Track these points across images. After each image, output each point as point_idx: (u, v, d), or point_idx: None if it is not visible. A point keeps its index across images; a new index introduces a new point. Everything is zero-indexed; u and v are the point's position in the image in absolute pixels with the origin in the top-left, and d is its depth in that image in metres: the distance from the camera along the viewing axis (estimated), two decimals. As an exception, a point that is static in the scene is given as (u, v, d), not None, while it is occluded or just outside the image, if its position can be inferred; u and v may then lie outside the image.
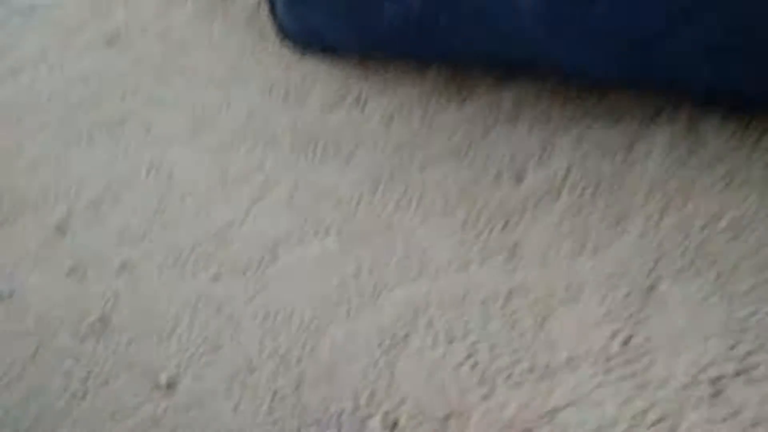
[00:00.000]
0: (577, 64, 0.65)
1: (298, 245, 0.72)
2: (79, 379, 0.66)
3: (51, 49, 1.16)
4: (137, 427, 0.61)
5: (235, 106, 0.93)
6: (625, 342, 0.54)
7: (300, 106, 0.89)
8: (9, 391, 0.67)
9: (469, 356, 0.58)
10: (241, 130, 0.89)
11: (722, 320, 0.53)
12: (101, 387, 0.65)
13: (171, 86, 1.01)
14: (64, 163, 0.93)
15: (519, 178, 0.69)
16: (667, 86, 0.66)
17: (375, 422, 0.55)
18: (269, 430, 0.58)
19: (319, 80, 0.92)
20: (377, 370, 0.59)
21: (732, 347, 0.52)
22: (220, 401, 0.61)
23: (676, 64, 0.61)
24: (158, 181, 0.85)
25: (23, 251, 0.82)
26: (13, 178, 0.93)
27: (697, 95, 0.67)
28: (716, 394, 0.49)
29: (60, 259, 0.79)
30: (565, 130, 0.72)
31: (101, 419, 0.62)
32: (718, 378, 0.50)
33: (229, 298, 0.69)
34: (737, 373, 0.50)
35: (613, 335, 0.55)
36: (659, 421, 0.49)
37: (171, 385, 0.63)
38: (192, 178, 0.84)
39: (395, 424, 0.55)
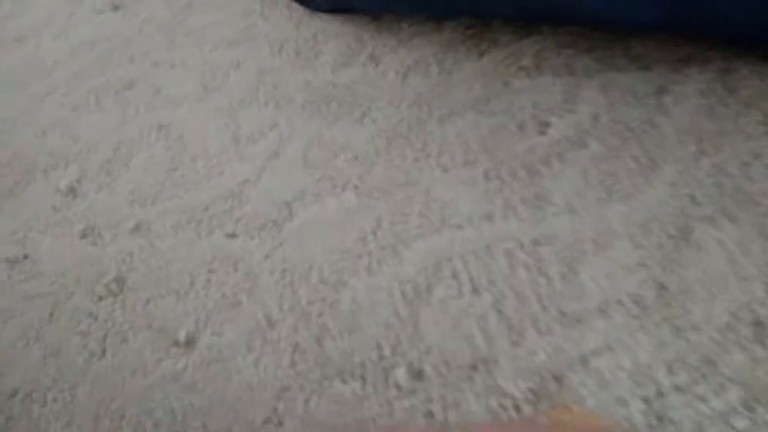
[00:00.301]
0: (606, 9, 0.63)
1: (315, 201, 0.70)
2: (96, 338, 0.65)
3: (56, 16, 1.14)
4: (157, 383, 0.60)
5: (245, 65, 0.91)
6: (660, 287, 0.53)
7: (312, 64, 0.87)
8: (27, 351, 0.66)
9: (495, 305, 0.56)
10: (252, 89, 0.87)
11: (760, 262, 0.51)
12: (120, 345, 0.64)
13: (179, 48, 0.98)
14: (73, 127, 0.91)
15: (543, 128, 0.67)
16: (700, 31, 0.63)
17: (400, 372, 0.54)
18: (291, 382, 0.57)
19: (331, 38, 0.90)
20: (400, 320, 0.57)
21: (769, 289, 0.50)
22: (241, 356, 0.60)
23: (710, 7, 0.59)
24: (169, 142, 0.84)
25: (35, 215, 0.80)
26: (22, 144, 0.91)
27: (730, 39, 0.65)
28: (757, 336, 0.47)
29: (73, 222, 0.78)
30: (589, 79, 0.70)
31: (120, 376, 0.61)
32: (758, 320, 0.48)
33: (245, 256, 0.67)
34: (776, 315, 0.49)
35: (647, 281, 0.53)
36: (699, 364, 0.48)
37: (190, 342, 0.62)
38: (203, 139, 0.82)
39: (421, 373, 0.54)
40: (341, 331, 0.59)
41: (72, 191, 0.82)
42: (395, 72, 0.81)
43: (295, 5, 0.96)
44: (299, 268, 0.65)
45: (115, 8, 1.10)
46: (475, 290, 0.58)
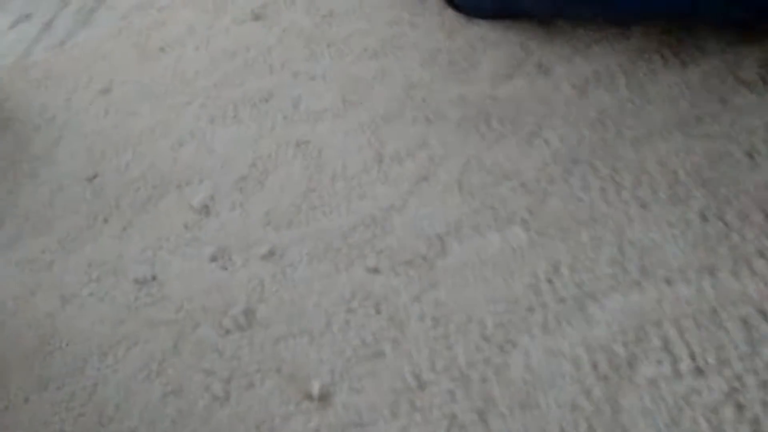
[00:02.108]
0: None
1: (474, 235, 0.58)
2: (221, 379, 0.57)
3: (198, 26, 1.12)
4: (285, 443, 0.51)
5: (392, 77, 0.82)
6: None
7: (468, 76, 0.76)
8: (147, 386, 0.60)
9: (730, 394, 0.41)
10: (398, 103, 0.77)
11: None
12: (245, 391, 0.55)
13: (320, 59, 0.92)
14: (209, 140, 0.86)
15: (782, 157, 0.52)
16: None
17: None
18: (448, 468, 0.45)
19: (490, 46, 0.78)
20: (592, 402, 0.44)
21: None
22: (384, 421, 0.49)
23: None
24: (307, 159, 0.76)
25: (166, 233, 0.76)
26: (157, 157, 0.88)
27: None
28: None
29: (203, 243, 0.72)
30: None
31: (245, 429, 0.53)
32: None
33: (390, 296, 0.57)
34: None
35: None
36: None
37: (324, 397, 0.52)
38: (344, 157, 0.74)
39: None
40: (511, 407, 0.47)
41: (205, 209, 0.76)
42: (571, 85, 0.68)
43: (450, 12, 0.86)
44: (455, 317, 0.54)
45: (256, 18, 1.06)
46: (699, 371, 0.43)
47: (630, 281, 0.50)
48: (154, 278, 0.71)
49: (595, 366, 0.46)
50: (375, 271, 0.61)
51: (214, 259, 0.70)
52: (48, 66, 1.22)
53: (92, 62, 1.16)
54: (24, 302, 0.76)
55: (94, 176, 0.90)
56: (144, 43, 1.14)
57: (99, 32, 1.26)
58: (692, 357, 0.44)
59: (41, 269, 0.79)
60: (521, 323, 0.51)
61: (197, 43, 1.07)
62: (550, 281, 0.52)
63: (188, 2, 1.18)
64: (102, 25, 1.29)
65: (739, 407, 0.41)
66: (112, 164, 0.90)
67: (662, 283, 0.48)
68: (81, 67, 1.17)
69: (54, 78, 1.18)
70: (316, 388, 0.53)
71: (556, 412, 0.45)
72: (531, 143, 0.64)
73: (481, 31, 0.81)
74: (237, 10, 1.09)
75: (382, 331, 0.55)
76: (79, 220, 0.83)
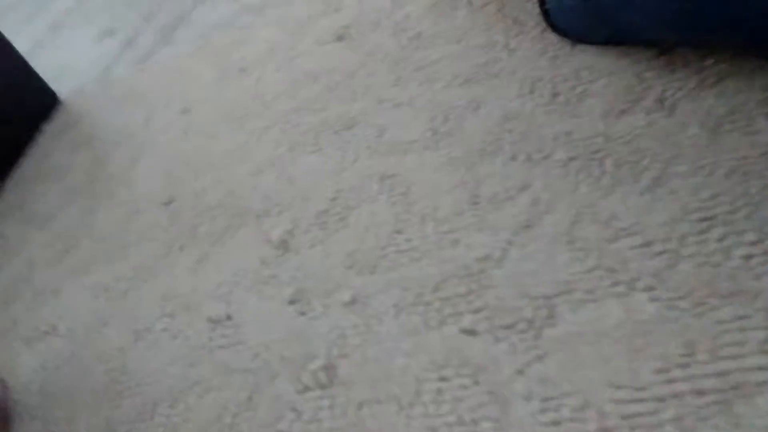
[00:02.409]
0: None
1: (588, 302, 0.51)
2: (298, 445, 0.52)
3: (279, 47, 1.09)
4: None
5: (486, 108, 0.75)
6: None
7: (575, 109, 0.69)
8: (220, 445, 0.55)
9: None
10: (495, 137, 0.71)
11: None
12: (325, 463, 0.50)
13: (407, 85, 0.86)
14: (289, 169, 0.82)
15: None
16: None
17: None
18: None
19: (601, 76, 0.70)
20: None
21: None
22: None
23: None
24: (393, 197, 0.70)
25: (243, 268, 0.72)
26: (236, 183, 0.85)
27: None
28: None
29: (282, 283, 0.67)
30: None
31: None
32: None
33: (490, 365, 0.50)
34: None
35: None
36: None
37: (415, 482, 0.46)
38: (434, 196, 0.68)
39: None
40: None
41: (284, 244, 0.72)
42: (699, 124, 0.60)
43: (552, 36, 0.78)
44: (568, 401, 0.46)
45: (339, 38, 1.01)
46: None
47: (792, 376, 0.41)
48: (229, 318, 0.67)
49: (752, 484, 0.38)
50: (471, 332, 0.54)
51: (292, 302, 0.65)
52: (129, 83, 1.22)
53: (172, 81, 1.15)
54: (96, 333, 0.74)
55: (171, 201, 0.87)
56: (224, 62, 1.12)
57: (180, 50, 1.26)
58: None
59: (115, 298, 0.77)
60: (651, 417, 0.43)
61: (278, 65, 1.04)
62: (684, 367, 0.44)
63: (270, 21, 1.16)
64: (183, 43, 1.29)
65: None
66: (190, 189, 0.87)
67: (836, 385, 0.40)
68: (161, 85, 1.16)
69: (134, 96, 1.17)
70: (405, 470, 0.47)
71: None
72: (655, 193, 0.56)
73: (589, 58, 0.73)
74: (320, 31, 1.05)
75: (481, 408, 0.49)
76: (155, 247, 0.81)
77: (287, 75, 1.00)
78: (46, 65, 1.43)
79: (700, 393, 0.43)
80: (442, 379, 0.52)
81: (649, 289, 0.50)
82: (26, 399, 0.69)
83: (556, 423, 0.45)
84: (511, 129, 0.71)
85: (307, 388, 0.56)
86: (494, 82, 0.78)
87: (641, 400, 0.44)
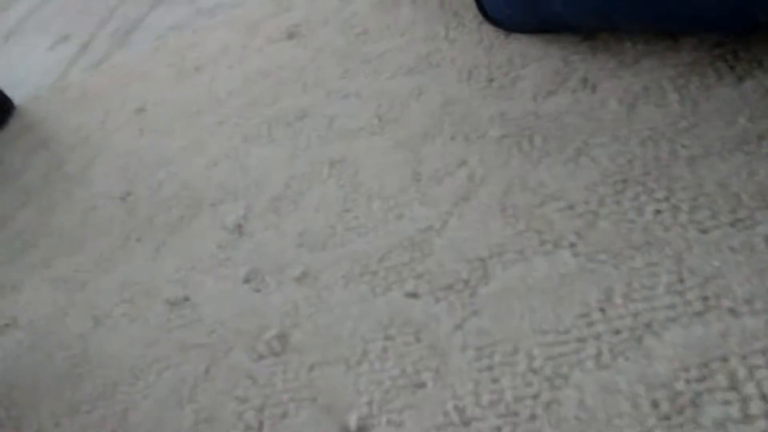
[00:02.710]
0: None
1: (518, 260, 0.55)
2: (253, 407, 0.55)
3: (232, 46, 1.12)
4: (321, 479, 0.48)
5: (428, 94, 0.80)
6: None
7: (508, 92, 0.74)
8: (178, 413, 0.58)
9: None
10: (436, 121, 0.75)
11: None
12: (279, 421, 0.53)
13: (354, 77, 0.90)
14: (243, 159, 0.85)
15: None
16: None
17: None
18: None
19: (531, 61, 0.76)
20: (656, 446, 0.41)
21: None
22: (426, 460, 0.46)
23: None
24: (342, 179, 0.74)
25: (199, 253, 0.74)
26: (191, 175, 0.87)
27: None
28: None
29: (237, 264, 0.70)
30: None
31: (278, 463, 0.51)
32: None
33: (430, 323, 0.54)
34: None
35: None
36: None
37: (362, 430, 0.49)
38: (380, 176, 0.72)
39: None
40: (564, 447, 0.43)
41: (238, 228, 0.75)
42: (618, 100, 0.65)
43: (488, 27, 0.84)
44: (500, 348, 0.51)
45: (290, 36, 1.05)
46: (779, 415, 0.39)
47: (691, 312, 0.46)
48: (186, 299, 0.70)
49: (655, 405, 0.42)
50: (414, 296, 0.58)
51: (247, 280, 0.68)
52: (84, 87, 1.24)
53: (127, 82, 1.17)
54: (56, 322, 0.75)
55: (128, 195, 0.89)
56: (179, 63, 1.14)
57: (135, 52, 1.28)
58: (763, 398, 0.40)
59: (74, 289, 0.79)
60: (573, 356, 0.48)
61: (231, 63, 1.07)
62: (602, 311, 0.49)
63: (224, 22, 1.19)
64: (138, 46, 1.31)
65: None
66: (146, 183, 0.90)
67: (727, 315, 0.45)
68: (116, 87, 1.18)
69: (90, 98, 1.19)
70: (353, 420, 0.50)
71: (614, 455, 0.42)
72: (578, 162, 0.61)
73: (521, 46, 0.79)
74: (271, 30, 1.09)
75: (422, 361, 0.53)
76: (113, 240, 0.83)
77: (240, 72, 1.03)
78: (0, 74, 1.43)
79: (616, 332, 0.47)
80: (387, 338, 0.55)
81: (572, 246, 0.55)
82: (-13, 390, 0.70)
83: (489, 368, 0.49)
84: (450, 112, 0.75)
85: (261, 357, 0.59)
86: (435, 71, 0.83)
87: (564, 342, 0.48)
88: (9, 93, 1.27)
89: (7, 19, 1.78)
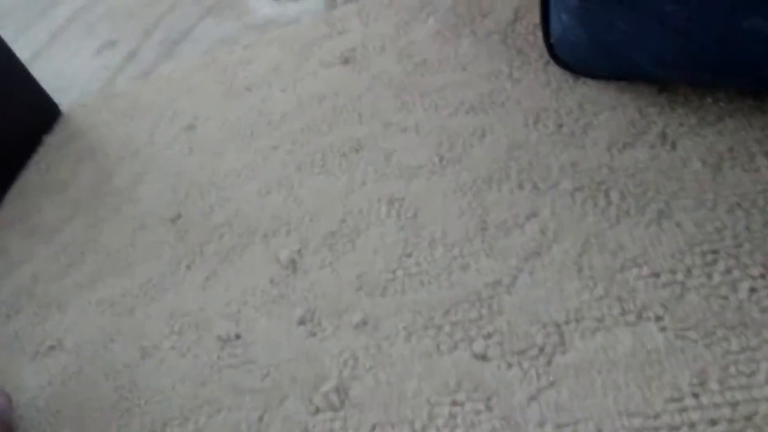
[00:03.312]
0: None
1: (599, 329, 0.53)
2: (312, 466, 0.53)
3: (284, 67, 1.10)
4: None
5: (493, 136, 0.77)
6: None
7: (579, 140, 0.71)
8: (233, 465, 0.56)
9: None
10: (502, 165, 0.73)
11: None
12: (340, 485, 0.51)
13: (413, 110, 0.88)
14: (297, 189, 0.84)
15: None
16: None
17: None
18: None
19: (604, 109, 0.73)
20: None
21: None
22: None
23: None
24: (401, 220, 0.72)
25: (252, 287, 0.72)
26: (244, 202, 0.85)
27: None
28: None
29: (291, 303, 0.68)
30: None
31: None
32: None
33: (502, 390, 0.52)
34: None
35: None
36: None
37: (431, 505, 0.47)
38: (443, 221, 0.69)
39: None
40: None
41: (292, 264, 0.73)
42: (701, 161, 0.62)
43: (554, 68, 0.81)
44: (582, 427, 0.48)
45: (345, 61, 1.03)
46: None
47: (796, 408, 0.43)
48: (238, 337, 0.68)
49: None
50: (483, 358, 0.56)
51: (302, 322, 0.66)
52: (133, 97, 1.23)
53: (176, 96, 1.16)
54: (103, 349, 0.74)
55: (178, 217, 0.88)
56: (229, 80, 1.13)
57: (183, 65, 1.27)
58: None
59: (121, 314, 0.77)
60: (662, 444, 0.45)
61: (284, 85, 1.05)
62: (696, 396, 0.46)
63: (273, 41, 1.18)
64: (186, 57, 1.30)
65: None
66: (197, 206, 0.88)
67: (839, 416, 0.42)
68: (164, 100, 1.17)
69: (138, 109, 1.18)
70: (421, 493, 0.48)
71: None
72: (660, 226, 0.58)
73: (592, 92, 0.76)
74: (324, 53, 1.07)
75: (494, 433, 0.50)
76: (162, 265, 0.81)
77: (293, 95, 1.02)
78: (45, 75, 1.43)
79: (713, 422, 0.45)
80: (455, 403, 0.53)
81: (658, 319, 0.52)
82: (32, 415, 0.69)
83: (569, 449, 0.47)
84: (517, 157, 0.73)
85: (318, 410, 0.57)
86: (499, 111, 0.80)
87: (655, 429, 0.46)
88: (55, 98, 1.27)
89: (54, 19, 1.78)
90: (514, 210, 0.67)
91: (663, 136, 0.67)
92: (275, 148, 0.92)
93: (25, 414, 0.69)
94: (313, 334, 0.64)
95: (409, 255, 0.68)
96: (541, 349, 0.54)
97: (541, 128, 0.75)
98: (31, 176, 1.11)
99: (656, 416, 0.46)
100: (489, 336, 0.57)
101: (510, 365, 0.54)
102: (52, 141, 1.19)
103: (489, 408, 0.51)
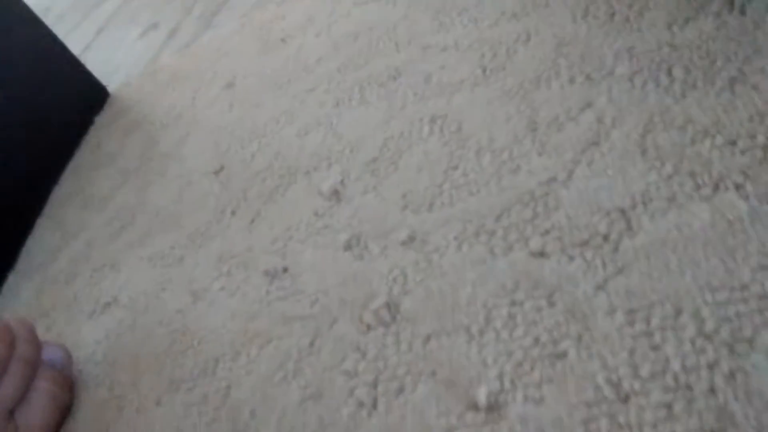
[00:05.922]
0: None
1: (671, 208, 0.46)
2: (365, 382, 0.49)
3: (318, 15, 1.07)
4: (448, 462, 0.42)
5: (538, 38, 0.71)
6: None
7: (635, 24, 0.64)
8: (284, 389, 0.53)
9: None
10: (550, 64, 0.66)
11: None
12: (395, 397, 0.47)
13: (451, 29, 0.83)
14: (336, 125, 0.80)
15: None
16: None
17: None
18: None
19: (661, -12, 0.65)
20: None
21: None
22: (575, 442, 0.39)
23: None
24: (445, 136, 0.67)
25: (296, 222, 0.70)
26: (283, 146, 0.83)
27: None
28: None
29: (336, 231, 0.65)
30: None
31: (398, 443, 0.45)
32: None
33: (564, 284, 0.46)
34: None
35: None
36: None
37: (493, 408, 0.42)
38: (488, 129, 0.64)
39: None
40: (760, 429, 0.34)
41: (335, 194, 0.69)
42: (779, 19, 0.54)
43: (602, -43, 0.73)
44: (658, 310, 0.42)
45: (378, -3, 0.98)
46: None
47: None
48: (285, 270, 0.65)
49: None
50: (542, 255, 0.50)
51: (348, 247, 0.63)
52: (174, 68, 1.23)
53: (215, 60, 1.15)
54: (155, 299, 0.73)
55: (221, 169, 0.86)
56: (265, 36, 1.11)
57: (221, 32, 1.26)
58: None
59: (172, 264, 0.76)
60: (757, 316, 0.38)
61: (318, 30, 1.02)
62: (790, 262, 0.39)
63: (306, -9, 1.14)
64: (224, 26, 1.29)
65: None
66: (238, 156, 0.86)
67: None
68: (204, 65, 1.16)
69: (179, 79, 1.18)
70: (482, 396, 0.44)
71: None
72: (733, 92, 0.51)
73: (646, -26, 0.68)
74: (357, -9, 1.03)
75: (559, 328, 0.45)
76: (208, 214, 0.80)
77: (328, 39, 0.98)
78: (95, 64, 1.46)
79: (812, 286, 0.38)
80: (514, 303, 0.48)
81: (738, 187, 0.45)
82: (90, 369, 0.69)
83: (646, 334, 0.41)
84: (566, 54, 0.66)
85: (369, 328, 0.53)
86: (543, 12, 0.74)
87: (743, 300, 0.39)
88: (103, 82, 1.29)
89: (100, 14, 1.83)
90: (566, 105, 0.61)
91: (729, 2, 0.59)
92: (311, 90, 0.89)
93: (84, 368, 0.69)
94: (360, 258, 0.61)
95: (456, 167, 0.63)
96: (606, 238, 0.48)
97: (590, 20, 0.68)
98: (85, 154, 1.13)
99: (743, 287, 0.40)
100: (546, 232, 0.51)
101: (572, 258, 0.48)
102: (102, 120, 1.21)
103: (551, 303, 0.46)
